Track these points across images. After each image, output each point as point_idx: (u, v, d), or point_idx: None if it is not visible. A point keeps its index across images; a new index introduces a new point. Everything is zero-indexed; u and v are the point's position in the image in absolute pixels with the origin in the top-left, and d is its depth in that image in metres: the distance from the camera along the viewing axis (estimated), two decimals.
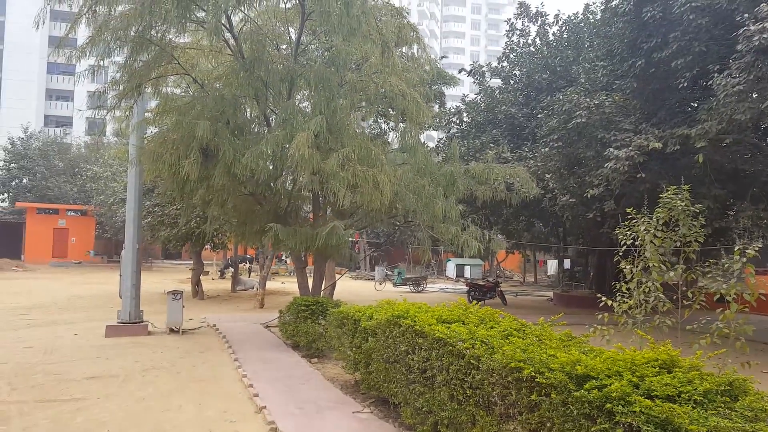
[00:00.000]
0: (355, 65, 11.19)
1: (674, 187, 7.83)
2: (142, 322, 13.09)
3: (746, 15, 12.00)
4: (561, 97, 16.35)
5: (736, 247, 6.72)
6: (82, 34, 10.24)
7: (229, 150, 10.28)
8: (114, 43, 9.80)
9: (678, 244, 7.58)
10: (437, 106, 19.45)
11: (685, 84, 14.13)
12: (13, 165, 42.74)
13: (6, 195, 43.87)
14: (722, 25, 13.21)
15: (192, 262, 22.88)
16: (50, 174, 42.36)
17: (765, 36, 11.15)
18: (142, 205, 13.94)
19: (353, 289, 23.77)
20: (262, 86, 10.48)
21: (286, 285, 26.32)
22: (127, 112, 11.71)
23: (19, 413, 7.07)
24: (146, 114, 12.61)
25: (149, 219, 19.01)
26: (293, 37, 11.52)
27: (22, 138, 43.80)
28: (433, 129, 22.32)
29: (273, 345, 11.60)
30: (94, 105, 12.54)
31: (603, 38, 18.06)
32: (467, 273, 31.78)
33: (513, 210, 18.97)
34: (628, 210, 7.71)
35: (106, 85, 10.87)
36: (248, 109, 12.04)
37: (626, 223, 7.73)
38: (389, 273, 28.35)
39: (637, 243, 7.56)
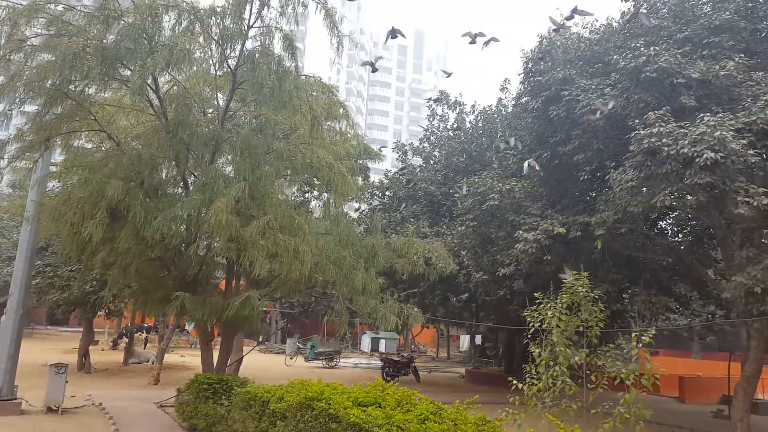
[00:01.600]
0: (284, 134, 11.27)
1: (575, 273, 8.40)
2: (15, 399, 11.49)
3: (636, 120, 13.51)
4: (476, 180, 17.34)
5: (633, 333, 7.18)
6: None
7: (140, 212, 9.78)
8: (26, 93, 9.28)
9: (581, 327, 8.02)
10: (361, 179, 19.95)
11: (586, 176, 15.49)
12: None
13: None
14: (617, 127, 14.75)
15: (81, 329, 20.88)
16: None
17: (653, 140, 12.55)
18: (33, 266, 12.73)
19: (262, 364, 22.62)
20: (183, 148, 10.24)
21: (187, 359, 24.50)
22: (31, 164, 10.95)
23: None
24: (52, 168, 11.83)
25: (38, 280, 17.38)
26: (222, 102, 11.49)
27: None
28: (357, 201, 22.75)
29: (166, 428, 10.61)
30: None
31: (514, 130, 19.57)
32: (382, 347, 31.45)
33: (430, 284, 19.37)
34: (536, 294, 8.13)
35: (11, 136, 10.16)
36: (165, 171, 11.65)
37: (534, 305, 8.09)
38: (301, 346, 27.44)
39: (544, 326, 7.87)
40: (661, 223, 19.00)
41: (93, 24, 9.22)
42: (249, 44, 10.20)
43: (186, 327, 30.00)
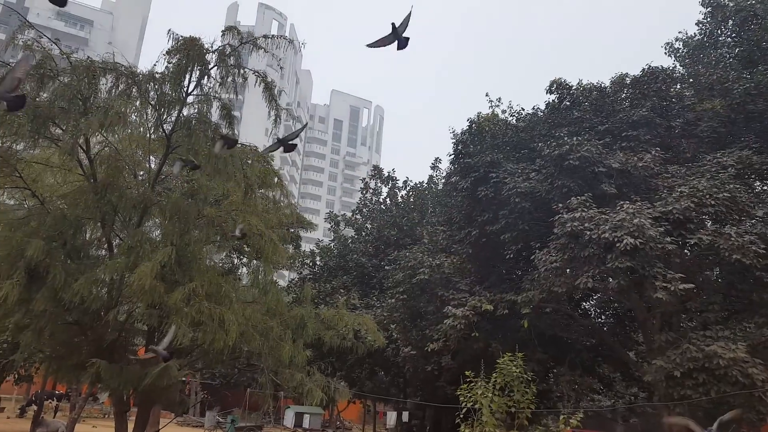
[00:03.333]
0: (216, 200, 11.27)
1: (510, 354, 8.58)
2: None
3: (560, 204, 14.37)
4: (407, 253, 17.70)
5: (562, 415, 7.41)
6: None
7: (60, 273, 9.40)
8: None
9: (512, 408, 8.16)
10: (293, 248, 19.93)
11: (512, 255, 16.14)
12: None
13: None
14: (542, 210, 15.64)
15: None
16: None
17: (575, 224, 13.36)
18: None
19: None
20: (111, 210, 10.04)
21: (99, 429, 22.83)
22: None
23: None
24: None
25: None
26: (153, 166, 11.45)
27: None
28: (287, 269, 22.59)
29: None
30: None
31: (444, 206, 20.35)
32: (306, 423, 30.19)
33: (358, 358, 19.12)
34: (467, 372, 8.26)
35: None
36: (90, 232, 11.30)
37: (465, 384, 8.20)
38: (221, 420, 25.97)
39: (476, 406, 7.97)
40: (584, 303, 19.80)
41: (27, 81, 9.16)
42: (187, 111, 10.39)
43: (99, 396, 27.94)
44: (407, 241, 22.22)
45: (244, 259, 13.71)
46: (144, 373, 9.74)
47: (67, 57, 9.52)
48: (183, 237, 10.01)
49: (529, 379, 10.84)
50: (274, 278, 12.24)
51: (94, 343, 10.68)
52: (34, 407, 21.99)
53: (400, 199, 26.54)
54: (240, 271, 14.15)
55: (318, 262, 25.25)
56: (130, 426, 11.69)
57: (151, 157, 11.55)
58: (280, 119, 10.93)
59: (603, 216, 13.30)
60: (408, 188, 26.88)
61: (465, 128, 17.66)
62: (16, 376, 18.48)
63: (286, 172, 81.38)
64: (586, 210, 13.58)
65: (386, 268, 19.80)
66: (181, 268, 10.04)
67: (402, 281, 17.34)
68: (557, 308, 16.05)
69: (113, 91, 9.62)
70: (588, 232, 13.08)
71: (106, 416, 27.75)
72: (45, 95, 9.24)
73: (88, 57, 9.61)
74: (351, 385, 23.08)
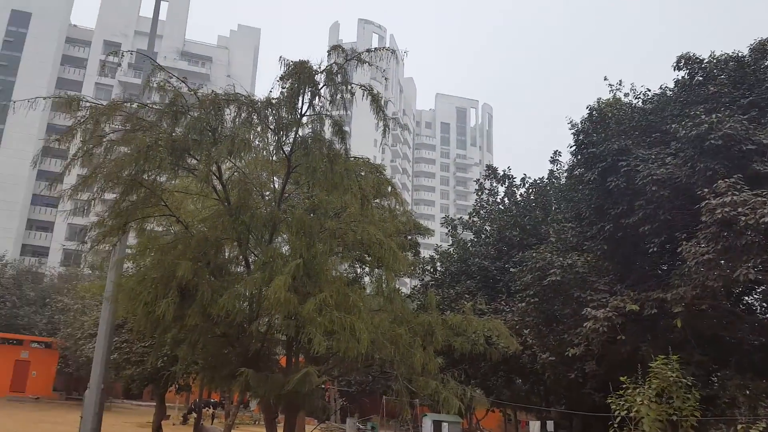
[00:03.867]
0: (335, 213, 11.67)
1: (663, 357, 7.74)
2: None
3: (705, 189, 12.91)
4: (533, 254, 16.92)
5: (739, 424, 6.57)
6: (73, 171, 10.73)
7: (207, 290, 10.26)
8: (106, 183, 10.22)
9: (674, 416, 7.34)
10: (412, 255, 19.97)
11: (655, 249, 14.75)
12: None
13: None
14: (683, 197, 14.17)
15: (154, 404, 21.52)
16: (21, 303, 41.20)
17: (727, 210, 11.94)
18: (111, 343, 13.48)
19: None
20: (245, 230, 10.78)
21: None
22: (110, 248, 11.81)
23: None
24: (128, 250, 12.72)
25: (115, 356, 18.22)
26: (277, 185, 12.15)
27: None
28: (408, 277, 22.75)
29: None
30: (75, 238, 12.70)
31: (569, 202, 19.19)
32: (445, 431, 30.06)
33: (491, 365, 18.59)
34: (622, 379, 7.53)
35: (93, 223, 11.11)
36: (229, 251, 12.23)
37: (619, 392, 7.56)
38: (362, 426, 26.73)
39: (631, 414, 7.35)
40: (747, 298, 17.63)
41: (164, 119, 10.22)
42: (302, 131, 10.92)
43: (249, 403, 30.10)
44: (531, 241, 21.30)
45: (366, 269, 14.00)
46: (286, 380, 10.29)
47: (194, 93, 10.47)
48: (309, 250, 10.44)
49: (689, 384, 9.78)
50: (397, 286, 12.34)
51: (241, 354, 11.51)
52: (195, 414, 24.29)
53: (519, 198, 25.53)
54: (363, 280, 14.47)
55: (439, 268, 25.03)
56: (279, 430, 12.40)
57: (274, 177, 12.28)
58: (389, 129, 11.09)
59: (759, 199, 11.77)
60: (527, 185, 25.76)
61: (585, 116, 16.62)
62: (177, 386, 20.47)
63: (398, 181, 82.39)
64: (737, 193, 12.11)
65: (511, 270, 19.09)
66: (310, 279, 10.48)
67: (531, 283, 16.62)
68: (715, 304, 14.36)
69: (236, 120, 10.38)
70: (743, 218, 11.65)
71: (257, 423, 29.79)
72: (179, 130, 10.19)
73: (212, 91, 10.48)
74: (487, 393, 22.54)
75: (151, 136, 9.78)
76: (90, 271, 33.21)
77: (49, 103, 10.27)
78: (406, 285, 58.92)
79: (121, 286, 11.50)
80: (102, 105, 10.25)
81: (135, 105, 10.42)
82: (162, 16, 59.62)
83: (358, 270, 14.30)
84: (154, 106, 10.60)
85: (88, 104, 10.24)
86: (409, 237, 17.47)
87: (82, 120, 10.12)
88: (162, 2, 18.73)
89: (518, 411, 34.54)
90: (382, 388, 27.05)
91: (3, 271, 42.82)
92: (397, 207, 12.93)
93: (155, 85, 10.26)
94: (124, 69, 61.90)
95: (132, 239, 12.71)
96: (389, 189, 12.50)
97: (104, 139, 10.04)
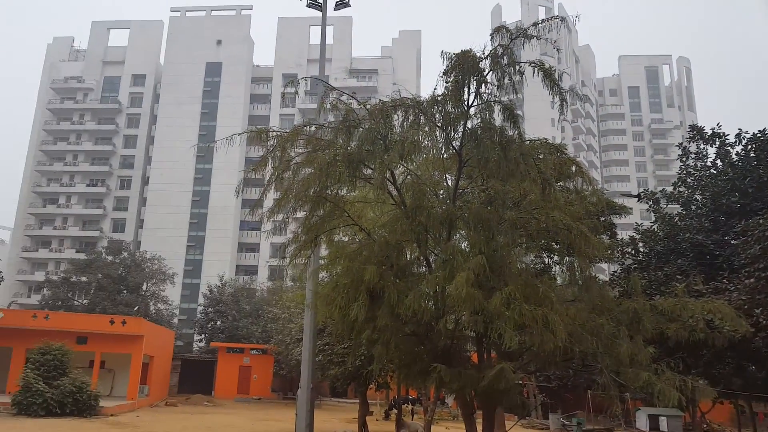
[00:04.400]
0: (514, 203, 11.27)
1: None
2: None
3: None
4: (761, 221, 14.55)
5: None
6: (269, 197, 11.87)
7: (393, 292, 10.62)
8: (296, 203, 11.15)
9: None
10: (607, 238, 18.36)
11: None
12: (210, 309, 48.57)
13: (203, 336, 49.49)
14: None
15: (358, 401, 23.02)
16: (239, 316, 47.15)
17: None
18: (315, 346, 14.72)
19: None
20: (422, 230, 10.93)
21: (451, 430, 25.01)
22: (305, 260, 12.84)
23: None
24: (320, 261, 13.74)
25: (320, 357, 19.85)
26: (450, 183, 12.13)
27: (218, 285, 50.09)
28: (605, 262, 21.01)
29: None
30: (277, 255, 14.06)
31: None
32: (664, 426, 27.35)
33: (715, 352, 16.42)
34: None
35: (289, 240, 12.20)
36: (409, 252, 12.51)
37: None
38: (566, 423, 25.54)
39: None
40: None
41: (339, 135, 10.82)
42: (470, 123, 10.73)
43: (446, 400, 30.61)
44: (756, 206, 18.34)
45: (555, 258, 13.28)
46: (480, 376, 10.19)
47: (364, 105, 10.90)
48: (489, 244, 10.24)
49: None
50: (593, 272, 11.51)
51: (431, 351, 11.69)
52: (395, 411, 25.36)
53: (735, 158, 22.06)
54: (553, 270, 13.75)
55: (641, 249, 22.72)
56: (479, 428, 12.34)
57: (446, 175, 12.29)
58: (566, 103, 10.40)
59: None
60: (744, 142, 22.08)
61: None
62: (376, 383, 21.58)
63: (583, 159, 76.82)
64: None
65: (733, 243, 16.64)
66: (493, 273, 10.26)
67: (760, 255, 14.32)
68: None
69: (404, 123, 10.58)
70: None
71: (455, 419, 30.16)
72: (353, 143, 10.70)
73: (379, 100, 10.83)
74: (713, 383, 19.95)
75: (329, 153, 10.44)
76: (292, 283, 36.80)
77: (244, 139, 11.56)
78: (604, 271, 55.23)
79: (318, 294, 12.42)
80: (286, 132, 11.21)
81: (313, 127, 11.20)
82: (329, 40, 63.93)
83: (546, 260, 13.65)
84: (329, 126, 11.28)
85: (274, 134, 11.28)
86: (602, 218, 16.16)
87: (271, 149, 11.19)
88: (327, 27, 20.00)
89: (753, 402, 30.15)
90: (586, 382, 25.56)
91: (223, 290, 49.46)
92: (585, 187, 12.07)
93: (328, 105, 10.92)
94: (301, 97, 67.66)
95: (324, 251, 13.68)
96: (573, 169, 11.72)
97: (291, 163, 10.96)
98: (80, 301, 49.58)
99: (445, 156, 11.43)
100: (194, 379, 43.13)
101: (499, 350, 11.96)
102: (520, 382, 17.36)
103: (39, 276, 65.22)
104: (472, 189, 11.91)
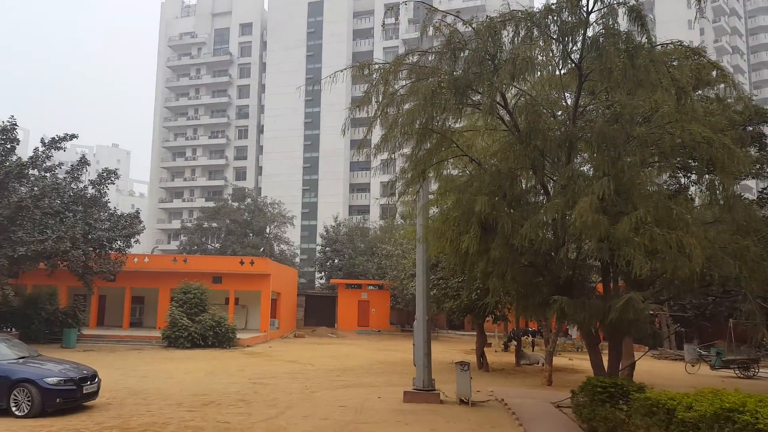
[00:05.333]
0: (643, 118, 10.18)
1: None
2: (434, 390, 13.61)
3: None
4: None
5: None
6: (375, 135, 11.67)
7: (507, 222, 10.23)
8: (402, 137, 10.87)
9: None
10: (755, 150, 16.14)
11: None
12: (327, 249, 50.89)
13: (323, 274, 52.27)
14: None
15: (475, 333, 23.22)
16: (355, 254, 49.00)
17: None
18: (429, 279, 14.81)
19: (656, 371, 20.80)
20: (538, 156, 10.29)
21: (575, 362, 24.56)
22: (414, 197, 12.72)
23: None
24: (429, 196, 13.55)
25: (434, 291, 20.06)
26: (569, 101, 11.20)
27: (333, 226, 52.13)
28: (752, 178, 18.71)
29: (566, 427, 10.79)
30: (386, 193, 14.02)
31: None
32: None
33: None
34: None
35: (397, 175, 12.08)
36: (524, 181, 11.94)
37: None
38: (704, 353, 23.97)
39: None
40: None
41: (443, 61, 10.22)
42: (590, 31, 9.65)
43: (569, 331, 30.01)
44: None
45: (692, 176, 12.00)
46: (607, 307, 9.69)
47: (470, 25, 10.16)
48: (615, 165, 9.43)
49: None
50: (737, 191, 10.29)
51: (552, 282, 11.26)
52: (514, 342, 25.27)
53: None
54: (690, 191, 12.48)
55: None
56: (604, 359, 11.89)
57: (565, 93, 11.34)
58: (704, 2, 8.99)
59: None
60: None
61: None
62: (493, 316, 21.51)
63: (727, 63, 67.99)
64: None
65: None
66: (620, 197, 9.51)
67: None
68: None
69: (515, 40, 9.75)
70: None
71: (579, 350, 29.54)
72: (459, 68, 10.07)
73: (486, 16, 10.01)
74: None
75: (434, 81, 9.93)
76: (402, 221, 37.25)
77: (348, 79, 11.33)
78: (751, 189, 49.96)
79: (429, 228, 12.32)
80: (388, 64, 10.80)
81: (416, 56, 10.67)
82: None
83: (682, 180, 12.41)
84: (433, 51, 10.67)
85: (376, 66, 10.91)
86: (750, 128, 14.21)
87: (373, 83, 10.89)
88: None
89: None
90: (727, 310, 23.70)
91: (338, 230, 51.45)
92: (728, 94, 10.62)
93: (431, 31, 10.25)
94: (405, 27, 65.92)
95: (433, 185, 13.44)
96: (714, 74, 10.33)
97: (395, 96, 10.59)
98: (213, 244, 54.08)
99: (562, 72, 10.47)
100: (318, 313, 46.11)
101: (627, 279, 11.28)
102: (651, 312, 16.42)
103: (175, 224, 71.88)
104: (595, 106, 10.93)
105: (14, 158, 24.55)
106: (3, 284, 24.25)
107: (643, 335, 12.90)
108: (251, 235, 52.44)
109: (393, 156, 11.56)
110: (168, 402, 12.81)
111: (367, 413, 11.84)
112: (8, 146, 24.35)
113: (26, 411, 10.77)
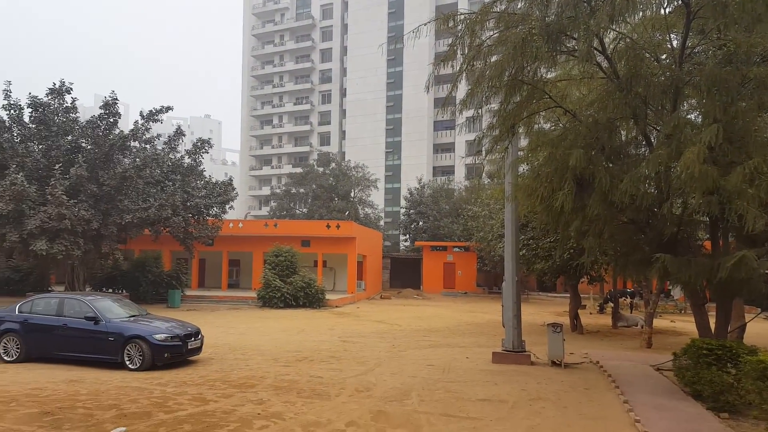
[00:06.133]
0: (761, 57, 9.14)
1: None
2: (525, 351, 13.40)
3: None
4: None
5: None
6: (461, 91, 11.28)
7: (605, 177, 9.68)
8: (489, 91, 10.42)
9: None
10: None
11: None
12: (412, 211, 51.02)
13: (408, 236, 52.58)
14: None
15: (568, 294, 22.54)
16: (440, 216, 48.81)
17: None
18: (518, 239, 14.42)
19: None
20: (640, 104, 9.56)
21: (677, 324, 23.37)
22: (502, 154, 12.29)
23: (427, 423, 8.00)
24: (518, 153, 13.07)
25: (524, 252, 19.57)
26: (675, 43, 10.24)
27: (417, 188, 52.02)
28: None
29: (667, 391, 10.27)
30: (472, 152, 13.62)
31: None
32: None
33: None
34: None
35: (483, 131, 11.67)
36: (623, 132, 11.20)
37: None
38: None
39: None
40: None
41: (534, 6, 9.62)
42: None
43: (671, 292, 28.41)
44: None
45: None
46: (715, 265, 9.03)
47: None
48: (727, 110, 8.59)
49: None
50: None
51: (654, 239, 10.61)
52: (611, 304, 24.30)
53: None
54: None
55: None
56: (711, 321, 11.16)
57: (670, 34, 10.38)
58: None
59: None
60: None
61: None
62: (589, 276, 20.72)
63: None
64: None
65: None
66: (732, 146, 8.71)
67: None
68: None
69: None
70: None
71: (682, 312, 28.03)
72: (552, 13, 9.43)
73: None
74: None
75: (524, 29, 9.39)
76: (489, 180, 36.46)
77: (432, 35, 10.92)
78: None
79: (518, 186, 11.90)
80: (473, 13, 10.32)
81: (504, 4, 10.08)
82: None
83: None
84: None
85: (462, 17, 10.44)
86: None
87: (459, 35, 10.46)
88: None
89: None
90: None
91: (422, 192, 51.33)
92: None
93: None
94: None
95: (522, 141, 12.93)
96: None
97: (482, 47, 10.13)
98: (300, 209, 55.87)
99: (667, 11, 9.58)
100: (403, 275, 46.71)
101: (738, 235, 10.44)
102: (766, 271, 15.11)
103: (265, 190, 74.84)
104: (704, 47, 9.95)
105: (117, 131, 26.30)
106: (113, 249, 26.42)
107: (755, 296, 11.91)
108: (336, 199, 53.58)
109: (479, 112, 11.16)
110: (264, 357, 13.52)
111: (455, 372, 11.89)
112: (111, 120, 26.04)
113: (138, 365, 11.72)
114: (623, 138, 11.10)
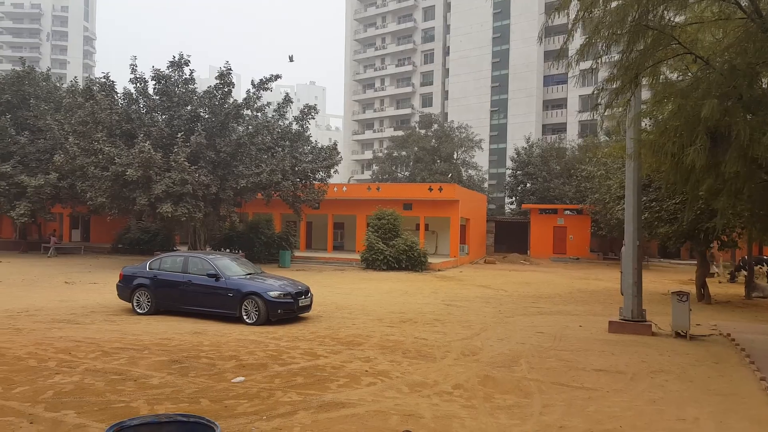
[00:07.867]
0: None
1: None
2: (645, 321, 12.59)
3: None
4: None
5: None
6: (575, 43, 10.41)
7: (744, 129, 8.57)
8: (609, 39, 9.53)
9: None
10: None
11: None
12: (518, 172, 49.26)
13: (514, 198, 51.02)
14: None
15: (695, 261, 20.72)
16: (549, 177, 46.73)
17: None
18: (640, 201, 13.35)
19: None
20: None
21: None
22: (623, 107, 11.29)
23: (537, 390, 7.75)
24: (642, 106, 11.98)
25: (646, 215, 18.16)
26: None
27: (525, 147, 49.97)
28: None
29: None
30: (586, 108, 12.68)
31: None
32: None
33: None
34: None
35: (602, 84, 10.74)
36: (765, 79, 9.83)
37: None
38: None
39: None
40: None
41: None
42: None
43: None
44: None
45: None
46: None
47: None
48: None
49: None
50: None
51: None
52: (744, 272, 22.07)
53: None
54: None
55: None
56: None
57: None
58: None
59: None
60: None
61: None
62: (720, 242, 18.86)
63: None
64: None
65: None
66: None
67: None
68: None
69: None
70: None
71: None
72: None
73: None
74: None
75: None
76: (606, 138, 34.13)
77: None
78: None
79: (642, 142, 10.95)
80: None
81: None
82: None
83: None
84: None
85: None
86: None
87: None
88: None
89: None
90: None
91: (530, 152, 49.29)
92: None
93: None
94: None
95: (645, 94, 11.81)
96: None
97: None
98: (402, 173, 56.02)
99: None
100: (509, 239, 45.43)
101: None
102: None
103: (368, 154, 75.80)
104: None
105: (231, 101, 27.62)
106: (230, 212, 28.10)
107: None
108: (439, 161, 53.04)
109: (597, 63, 10.26)
110: (370, 317, 13.79)
111: (568, 341, 11.40)
112: (225, 90, 27.38)
113: (254, 319, 12.41)
114: (766, 86, 9.75)
